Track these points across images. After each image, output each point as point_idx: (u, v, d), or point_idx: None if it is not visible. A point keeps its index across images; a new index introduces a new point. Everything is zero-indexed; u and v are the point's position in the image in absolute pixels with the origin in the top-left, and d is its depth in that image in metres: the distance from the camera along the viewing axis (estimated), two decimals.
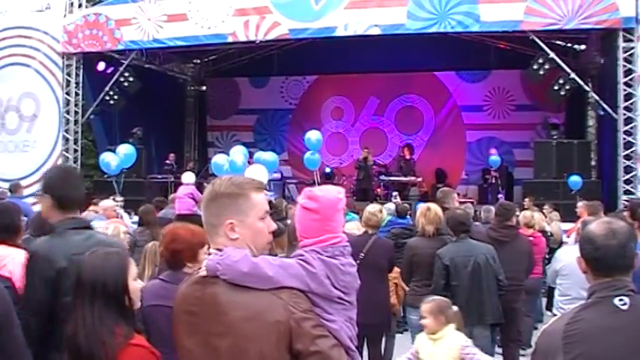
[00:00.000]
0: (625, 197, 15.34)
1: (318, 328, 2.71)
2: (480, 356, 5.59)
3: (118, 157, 15.45)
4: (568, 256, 7.13)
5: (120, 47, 18.57)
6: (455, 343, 5.58)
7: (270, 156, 13.80)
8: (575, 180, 16.03)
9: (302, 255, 2.86)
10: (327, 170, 21.75)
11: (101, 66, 19.49)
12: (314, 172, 15.80)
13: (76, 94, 19.10)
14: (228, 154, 13.46)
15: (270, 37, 17.40)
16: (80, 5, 19.00)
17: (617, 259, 2.75)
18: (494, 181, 19.95)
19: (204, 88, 25.10)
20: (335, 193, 3.00)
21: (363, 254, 7.43)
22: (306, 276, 2.77)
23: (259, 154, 13.70)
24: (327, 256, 2.87)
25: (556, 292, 7.42)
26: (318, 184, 16.55)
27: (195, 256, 4.26)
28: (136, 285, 3.21)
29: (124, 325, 3.03)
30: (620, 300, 2.71)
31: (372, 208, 8.13)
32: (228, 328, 2.66)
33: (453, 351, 5.55)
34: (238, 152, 13.15)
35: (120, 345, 2.95)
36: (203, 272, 2.74)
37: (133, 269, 3.22)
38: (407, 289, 7.93)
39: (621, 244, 2.76)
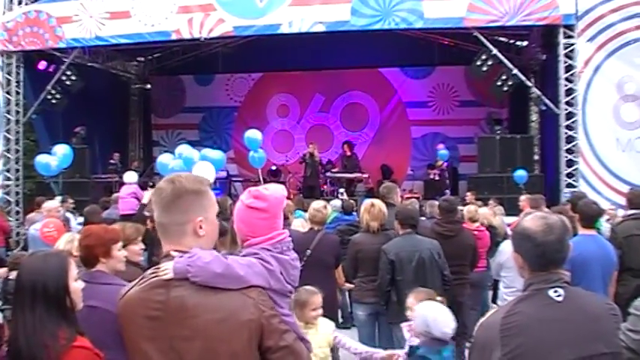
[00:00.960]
0: (567, 190, 15.60)
1: (283, 324, 2.79)
2: (346, 340, 5.73)
3: (56, 158, 15.16)
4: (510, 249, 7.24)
5: (61, 45, 18.21)
6: (327, 329, 5.69)
7: (217, 154, 13.72)
8: (520, 174, 16.23)
9: (257, 253, 2.90)
10: (273, 168, 21.73)
11: (42, 64, 19.11)
12: (259, 170, 15.76)
13: (17, 93, 18.64)
14: (173, 153, 13.34)
15: (215, 34, 17.26)
16: (20, 2, 18.58)
17: (555, 253, 2.80)
18: (438, 178, 20.13)
19: (148, 86, 24.88)
20: (281, 190, 3.09)
21: (309, 251, 7.45)
22: (267, 273, 2.83)
23: (206, 152, 13.61)
24: (278, 253, 2.94)
25: (501, 285, 7.53)
26: (264, 182, 16.61)
27: (108, 252, 4.29)
28: (76, 286, 3.16)
29: (66, 328, 2.97)
30: (555, 292, 2.76)
31: (317, 204, 8.17)
32: (198, 331, 2.66)
33: (327, 336, 5.65)
34: (187, 150, 13.06)
35: (63, 348, 2.90)
36: (168, 275, 2.70)
37: (73, 270, 3.17)
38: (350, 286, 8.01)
39: (559, 238, 2.81)
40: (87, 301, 3.25)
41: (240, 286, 2.72)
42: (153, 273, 2.78)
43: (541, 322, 2.72)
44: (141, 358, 2.72)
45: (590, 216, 6.56)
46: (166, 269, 2.71)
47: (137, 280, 2.83)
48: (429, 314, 4.97)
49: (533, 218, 2.90)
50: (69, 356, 2.91)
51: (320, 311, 5.67)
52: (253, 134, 14.94)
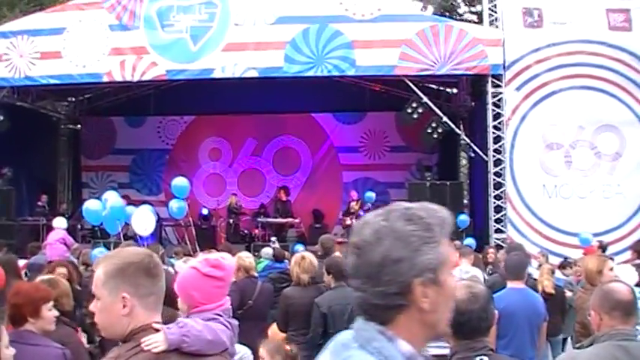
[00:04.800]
0: (496, 236, 15.91)
1: None
2: None
3: None
4: None
5: None
6: None
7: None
8: (463, 219, 16.49)
9: (215, 319, 2.97)
10: (205, 212, 21.58)
11: None
12: (187, 215, 15.66)
13: None
14: (100, 199, 13.21)
15: (147, 77, 17.22)
16: None
17: (479, 322, 2.86)
18: (349, 222, 20.09)
19: (78, 126, 24.48)
20: (233, 260, 3.18)
21: (251, 302, 7.43)
22: (231, 337, 2.98)
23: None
24: (228, 318, 3.05)
25: None
26: (195, 226, 16.49)
27: (37, 311, 4.15)
28: (8, 353, 3.08)
29: None
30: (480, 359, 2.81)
31: (247, 254, 8.19)
32: None
33: None
34: (112, 197, 12.94)
35: None
36: (160, 347, 2.61)
37: (5, 337, 3.09)
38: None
39: (482, 307, 2.87)
40: None
41: (220, 350, 2.82)
42: (133, 349, 2.61)
43: None
44: None
45: (515, 268, 6.66)
46: (155, 342, 2.60)
47: (112, 354, 2.63)
48: None
49: (458, 287, 2.95)
50: None
51: None
52: (181, 182, 14.91)
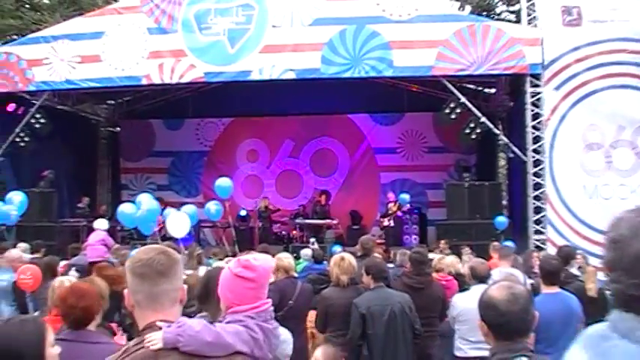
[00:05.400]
0: (535, 237, 15.76)
1: None
2: None
3: (14, 207, 14.94)
4: (464, 302, 7.33)
5: (31, 88, 18.14)
6: None
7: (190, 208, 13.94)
8: (501, 220, 16.37)
9: (242, 320, 2.94)
10: (243, 213, 21.68)
11: (11, 106, 18.99)
12: (228, 214, 15.72)
13: None
14: (134, 203, 13.35)
15: (185, 80, 17.33)
16: None
17: (520, 323, 2.84)
18: (393, 224, 20.13)
19: (117, 129, 24.77)
20: (269, 261, 3.16)
21: (291, 302, 7.43)
22: (252, 341, 2.89)
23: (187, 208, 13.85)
24: (262, 321, 2.99)
25: (455, 336, 7.53)
26: (234, 227, 16.58)
27: (99, 312, 4.22)
28: (53, 352, 3.12)
29: None
30: None
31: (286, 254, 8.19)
32: None
33: None
34: (146, 199, 13.08)
35: None
36: (157, 345, 2.68)
37: (50, 336, 3.14)
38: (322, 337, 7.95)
39: (524, 309, 2.85)
40: None
41: (227, 353, 2.77)
42: (137, 345, 2.75)
43: None
44: None
45: (550, 273, 6.56)
46: (154, 339, 2.69)
47: (119, 354, 2.79)
48: None
49: (498, 287, 2.93)
50: None
51: None
52: (224, 182, 14.98)
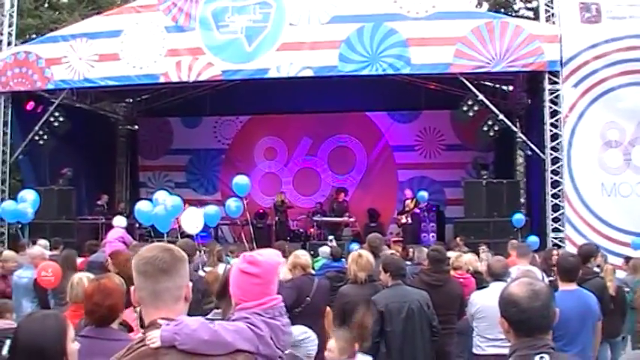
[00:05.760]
0: (554, 235, 15.71)
1: None
2: None
3: (29, 204, 14.96)
4: (482, 300, 7.32)
5: (50, 86, 18.29)
6: None
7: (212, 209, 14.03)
8: (518, 218, 16.32)
9: (247, 318, 2.93)
10: (260, 211, 21.73)
11: (30, 105, 19.12)
12: (246, 212, 15.74)
13: (4, 133, 18.58)
14: (151, 201, 13.38)
15: (203, 77, 17.40)
16: (9, 43, 18.70)
17: (541, 320, 2.83)
18: (410, 222, 20.08)
19: (136, 127, 24.87)
20: (275, 257, 3.12)
21: (309, 299, 7.44)
22: (255, 338, 2.85)
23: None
24: (269, 318, 2.96)
25: (474, 333, 7.52)
26: (252, 225, 16.58)
27: (124, 305, 4.25)
28: (74, 347, 3.15)
29: None
30: (541, 358, 2.78)
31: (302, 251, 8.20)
32: None
33: None
34: (163, 196, 13.11)
35: None
36: (156, 343, 2.69)
37: (71, 332, 3.16)
38: None
39: (544, 305, 2.84)
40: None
41: (227, 351, 2.75)
42: (139, 342, 2.77)
43: None
44: None
45: (567, 270, 6.53)
46: (154, 337, 2.70)
47: (123, 351, 2.80)
48: None
49: (519, 284, 2.93)
50: None
51: None
52: (242, 180, 14.99)
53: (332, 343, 6.07)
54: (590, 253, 8.60)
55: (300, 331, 5.49)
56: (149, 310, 2.81)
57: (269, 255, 3.12)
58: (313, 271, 8.27)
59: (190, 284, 2.91)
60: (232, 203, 14.87)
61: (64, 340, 3.06)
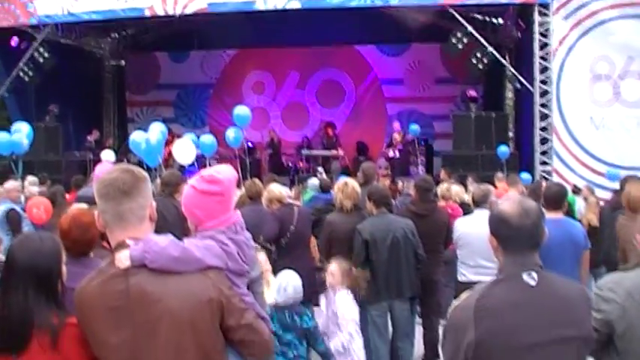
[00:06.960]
0: (542, 168, 15.77)
1: (242, 303, 2.86)
2: None
3: (23, 135, 14.74)
4: (463, 227, 7.37)
5: (33, 21, 17.98)
6: None
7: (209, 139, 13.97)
8: (503, 150, 16.31)
9: (214, 236, 2.94)
10: (250, 145, 21.66)
11: (14, 41, 18.85)
12: (244, 143, 15.72)
13: None
14: (146, 131, 13.23)
15: (189, 11, 17.15)
16: None
17: (530, 238, 2.83)
18: (398, 155, 20.02)
19: (122, 63, 24.52)
20: (232, 172, 3.13)
21: (293, 227, 7.48)
22: (224, 255, 2.88)
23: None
24: (233, 234, 3.00)
25: (457, 261, 7.57)
26: (240, 159, 16.54)
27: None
28: (64, 270, 3.15)
29: (56, 309, 2.96)
30: (529, 275, 2.78)
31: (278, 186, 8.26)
32: (161, 316, 2.67)
33: None
34: (155, 130, 12.94)
35: (59, 326, 2.88)
36: (126, 263, 2.69)
37: (63, 254, 3.17)
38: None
39: (534, 223, 2.84)
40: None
41: (198, 268, 2.76)
42: (108, 265, 2.78)
43: (514, 305, 2.74)
44: (106, 351, 2.72)
45: (552, 198, 6.54)
46: (123, 257, 2.70)
47: (93, 273, 2.82)
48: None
49: (510, 202, 2.92)
50: (65, 334, 2.89)
51: None
52: (243, 110, 14.93)
53: (333, 267, 6.10)
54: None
55: (285, 278, 5.61)
56: (115, 233, 2.80)
57: (226, 171, 3.12)
58: (290, 202, 8.26)
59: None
60: (231, 133, 14.80)
61: (60, 261, 3.08)
